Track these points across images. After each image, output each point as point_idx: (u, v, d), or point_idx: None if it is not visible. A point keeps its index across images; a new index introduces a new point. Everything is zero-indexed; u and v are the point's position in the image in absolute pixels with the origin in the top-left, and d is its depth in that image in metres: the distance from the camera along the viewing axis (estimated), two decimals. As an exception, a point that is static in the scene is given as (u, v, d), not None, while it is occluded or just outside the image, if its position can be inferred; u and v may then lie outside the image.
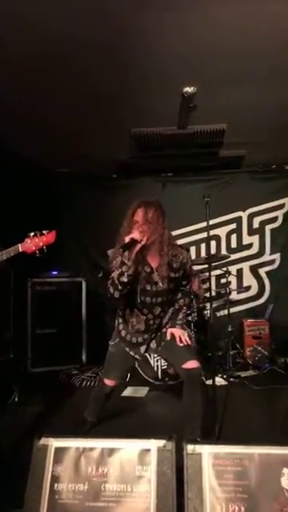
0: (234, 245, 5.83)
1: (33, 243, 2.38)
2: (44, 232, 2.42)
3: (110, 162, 5.36)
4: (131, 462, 1.79)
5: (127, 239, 2.44)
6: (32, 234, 2.40)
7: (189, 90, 3.45)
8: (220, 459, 1.77)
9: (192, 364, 2.55)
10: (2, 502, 1.98)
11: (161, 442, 1.83)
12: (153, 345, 2.76)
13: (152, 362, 4.35)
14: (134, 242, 2.43)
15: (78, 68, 3.18)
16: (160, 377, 4.31)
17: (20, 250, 2.37)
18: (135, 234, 2.45)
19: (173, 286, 2.65)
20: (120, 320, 2.77)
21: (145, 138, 4.45)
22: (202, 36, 2.82)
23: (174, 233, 5.80)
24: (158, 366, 4.34)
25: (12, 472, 2.19)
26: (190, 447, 1.81)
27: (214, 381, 3.14)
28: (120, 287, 2.46)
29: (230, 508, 1.67)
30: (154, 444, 1.83)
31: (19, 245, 2.38)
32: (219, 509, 1.67)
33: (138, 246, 2.45)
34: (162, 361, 4.34)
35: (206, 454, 1.79)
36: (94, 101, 3.73)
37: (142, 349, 2.74)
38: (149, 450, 1.82)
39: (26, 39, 2.79)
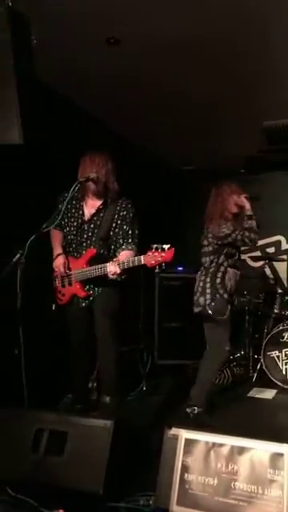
0: None
1: (153, 258, 2.44)
2: (165, 247, 2.44)
3: (238, 156, 5.24)
4: (262, 464, 1.76)
5: None
6: (155, 246, 2.45)
7: None
8: None
9: None
10: (133, 485, 2.09)
11: (295, 448, 1.76)
12: None
13: (280, 364, 4.17)
14: None
15: (212, 61, 3.18)
16: (289, 380, 4.11)
17: (142, 263, 2.47)
18: None
19: None
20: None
21: (277, 130, 4.27)
22: None
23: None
24: (286, 368, 4.14)
25: (141, 457, 2.29)
26: None
27: None
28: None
29: None
30: (286, 448, 1.76)
31: (142, 257, 2.48)
32: None
33: None
34: (292, 364, 4.13)
35: None
36: (226, 96, 3.70)
37: None
38: (281, 455, 1.76)
39: (161, 34, 2.87)
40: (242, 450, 1.80)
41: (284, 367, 4.15)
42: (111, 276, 2.60)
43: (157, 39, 2.90)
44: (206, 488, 1.75)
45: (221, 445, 1.84)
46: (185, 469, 1.81)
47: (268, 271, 5.58)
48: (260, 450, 1.79)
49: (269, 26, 2.74)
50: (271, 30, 2.78)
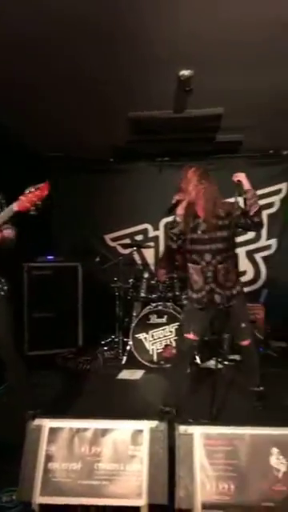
0: (230, 230, 5.84)
1: (27, 201, 2.25)
2: (39, 186, 2.31)
3: (107, 146, 5.31)
4: (124, 442, 1.84)
5: (173, 201, 2.99)
6: (27, 190, 2.29)
7: (185, 73, 3.40)
8: (211, 439, 1.82)
9: (246, 342, 3.11)
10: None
11: (153, 423, 1.88)
12: (218, 299, 2.99)
13: (147, 345, 4.41)
14: (178, 202, 2.96)
15: (75, 51, 3.13)
16: (155, 360, 4.37)
17: (14, 210, 2.27)
18: (176, 196, 2.98)
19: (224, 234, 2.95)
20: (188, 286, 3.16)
21: (141, 121, 4.41)
22: (198, 20, 2.77)
23: (170, 218, 5.85)
24: (153, 349, 4.40)
25: (4, 453, 2.22)
26: (182, 428, 1.86)
27: (216, 364, 3.21)
28: (174, 238, 2.99)
29: (219, 486, 1.72)
30: (146, 425, 1.87)
31: (13, 204, 2.27)
32: (209, 487, 1.72)
33: (183, 204, 2.94)
34: (158, 344, 4.39)
35: (198, 435, 1.83)
36: (91, 84, 3.68)
37: (206, 299, 3.00)
38: (141, 431, 1.86)
39: (22, 21, 2.73)
40: (105, 432, 1.86)
41: (151, 348, 4.41)
42: None
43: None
44: (69, 474, 1.77)
45: (85, 429, 1.87)
46: (48, 458, 1.80)
47: (137, 257, 5.83)
48: (122, 429, 1.87)
49: (132, 16, 2.79)
50: (135, 21, 2.84)
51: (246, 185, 2.87)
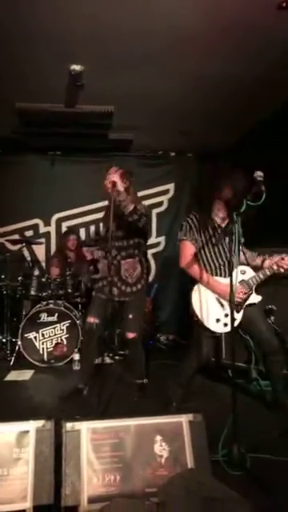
0: (121, 227, 5.95)
1: None
2: None
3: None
4: (8, 445, 1.78)
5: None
6: None
7: (76, 67, 3.39)
8: (98, 434, 1.85)
9: (131, 335, 3.19)
10: None
11: (40, 423, 1.85)
12: (115, 292, 3.20)
13: (37, 344, 4.29)
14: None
15: None
16: (46, 359, 4.28)
17: None
18: None
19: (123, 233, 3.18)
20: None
21: (30, 113, 4.26)
22: (93, 15, 2.79)
23: (62, 214, 5.74)
24: (43, 348, 4.30)
25: None
26: (69, 425, 1.86)
27: (103, 360, 3.26)
28: None
29: (106, 478, 1.76)
30: (32, 425, 1.84)
31: None
32: (96, 480, 1.75)
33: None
34: (48, 343, 4.30)
35: (85, 430, 1.85)
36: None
37: (106, 289, 3.17)
38: (27, 432, 1.82)
39: None
40: (-13, 437, 1.78)
41: (41, 347, 4.30)
42: None
43: None
44: None
45: None
46: None
47: (26, 254, 5.62)
48: (6, 432, 1.81)
49: (27, 6, 2.69)
50: (30, 12, 2.74)
51: (120, 187, 2.90)
